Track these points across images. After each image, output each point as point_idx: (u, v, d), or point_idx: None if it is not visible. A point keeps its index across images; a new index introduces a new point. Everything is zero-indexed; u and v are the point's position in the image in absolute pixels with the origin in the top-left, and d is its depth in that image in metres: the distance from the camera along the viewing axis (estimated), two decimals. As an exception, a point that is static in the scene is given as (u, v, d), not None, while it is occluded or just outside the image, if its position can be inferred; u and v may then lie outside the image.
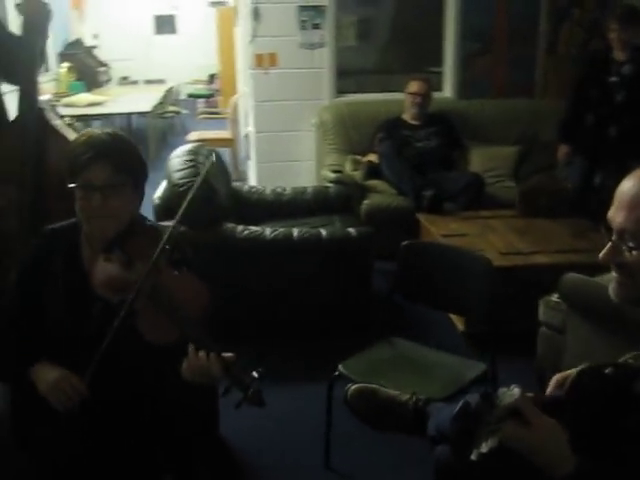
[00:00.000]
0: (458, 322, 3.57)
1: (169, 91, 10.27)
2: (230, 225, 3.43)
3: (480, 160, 4.99)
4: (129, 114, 8.57)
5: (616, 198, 1.28)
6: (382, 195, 4.62)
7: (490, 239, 3.76)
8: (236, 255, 3.36)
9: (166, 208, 3.36)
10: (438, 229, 3.93)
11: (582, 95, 4.38)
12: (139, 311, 1.68)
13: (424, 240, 3.99)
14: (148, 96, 9.03)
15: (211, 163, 1.86)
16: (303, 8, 5.12)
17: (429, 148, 4.81)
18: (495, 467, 1.25)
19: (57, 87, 9.19)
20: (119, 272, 1.74)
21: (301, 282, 3.44)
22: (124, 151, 1.83)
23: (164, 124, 9.92)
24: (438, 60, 5.54)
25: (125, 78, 12.12)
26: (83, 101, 8.08)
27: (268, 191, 4.31)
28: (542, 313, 2.89)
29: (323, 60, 5.25)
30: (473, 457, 1.13)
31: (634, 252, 1.24)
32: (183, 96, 11.67)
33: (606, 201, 1.32)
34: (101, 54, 11.40)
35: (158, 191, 3.63)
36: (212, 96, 10.95)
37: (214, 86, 11.18)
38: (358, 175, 4.75)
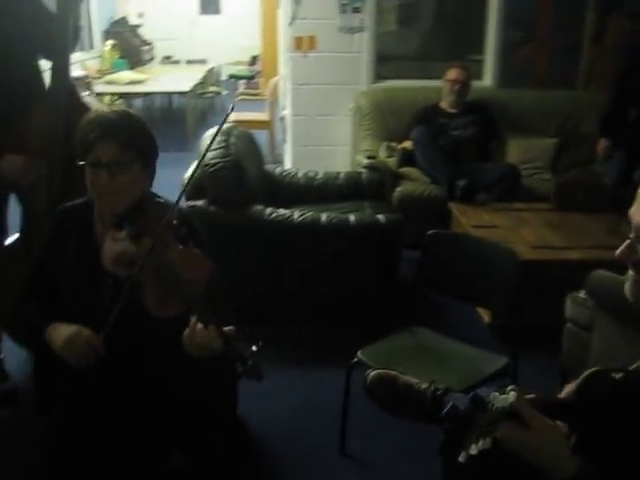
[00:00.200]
0: (485, 314, 3.54)
1: (210, 71, 10.32)
2: (259, 207, 3.43)
3: (517, 151, 4.90)
4: (169, 93, 8.64)
5: (638, 195, 1.25)
6: (415, 183, 4.56)
7: (522, 232, 3.69)
8: (264, 237, 3.37)
9: (197, 187, 3.38)
10: (469, 220, 3.88)
11: (625, 88, 4.25)
12: (145, 284, 1.70)
13: (454, 230, 3.94)
14: (189, 76, 9.09)
15: (232, 109, 1.87)
16: (344, -9, 5.07)
17: (465, 137, 4.72)
18: (491, 469, 1.24)
19: (101, 64, 9.33)
20: (127, 247, 1.77)
21: (327, 266, 3.43)
22: (132, 129, 1.86)
23: (204, 104, 9.98)
24: (479, 48, 5.43)
25: (168, 57, 12.23)
26: (124, 79, 8.17)
27: (300, 175, 4.29)
28: (569, 309, 2.83)
29: (362, 45, 5.19)
30: (461, 459, 1.12)
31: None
32: (224, 77, 11.71)
33: None
34: (145, 33, 11.51)
35: (189, 171, 3.64)
36: (253, 78, 10.95)
37: (256, 68, 11.18)
38: (392, 162, 4.71)
